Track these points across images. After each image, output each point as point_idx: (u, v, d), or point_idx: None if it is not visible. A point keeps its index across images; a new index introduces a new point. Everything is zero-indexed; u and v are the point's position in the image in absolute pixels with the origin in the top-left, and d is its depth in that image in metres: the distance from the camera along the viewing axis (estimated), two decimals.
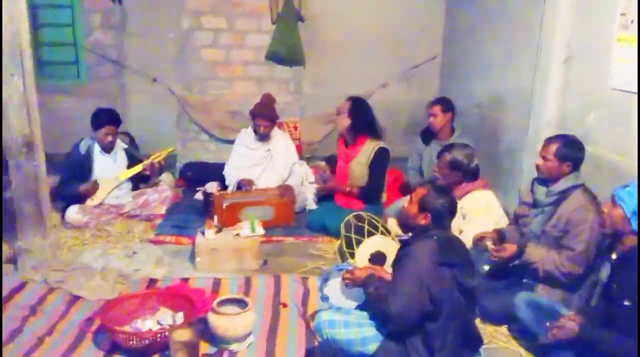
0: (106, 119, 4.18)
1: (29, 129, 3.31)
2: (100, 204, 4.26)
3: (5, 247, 3.56)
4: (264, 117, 4.44)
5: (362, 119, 4.18)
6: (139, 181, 4.50)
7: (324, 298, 2.77)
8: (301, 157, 5.68)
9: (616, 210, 2.28)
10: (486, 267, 3.26)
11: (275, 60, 5.58)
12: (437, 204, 2.49)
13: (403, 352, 2.41)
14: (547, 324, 2.33)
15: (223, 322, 2.64)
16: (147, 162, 4.34)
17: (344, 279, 2.74)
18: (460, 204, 3.27)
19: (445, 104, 4.27)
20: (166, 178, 5.41)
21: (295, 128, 5.72)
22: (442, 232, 2.51)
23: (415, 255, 2.42)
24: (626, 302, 2.20)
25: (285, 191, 4.33)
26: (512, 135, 4.20)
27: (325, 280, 2.80)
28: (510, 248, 2.93)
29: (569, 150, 2.89)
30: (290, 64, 5.63)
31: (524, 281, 3.03)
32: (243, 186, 4.38)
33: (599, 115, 3.18)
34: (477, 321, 3.00)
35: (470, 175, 3.27)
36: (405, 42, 5.81)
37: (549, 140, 2.99)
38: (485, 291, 3.07)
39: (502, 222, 3.28)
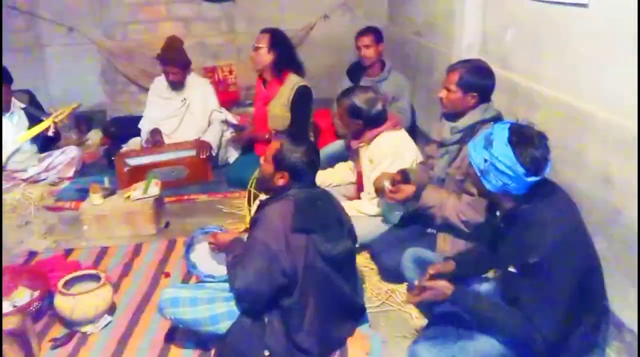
0: None
1: None
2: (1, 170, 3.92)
3: None
4: (171, 62, 3.98)
5: (284, 53, 3.74)
6: (46, 143, 4.13)
7: (192, 266, 2.43)
8: (241, 104, 5.29)
9: (471, 169, 1.84)
10: (397, 214, 2.88)
11: None
12: (293, 159, 2.11)
13: (259, 330, 2.08)
14: (416, 282, 1.96)
15: (67, 303, 2.32)
16: (48, 121, 3.95)
17: (210, 243, 2.40)
18: (368, 149, 2.89)
19: (377, 33, 3.88)
20: (94, 136, 5.08)
21: (231, 72, 5.27)
22: (301, 191, 2.13)
23: (265, 221, 2.07)
24: (511, 269, 1.82)
25: (200, 147, 3.93)
26: (443, 63, 3.68)
27: (189, 245, 2.45)
28: (407, 189, 2.56)
29: (474, 78, 2.44)
30: (219, 0, 5.08)
31: (428, 230, 2.66)
32: (153, 139, 4.00)
33: (515, 33, 2.68)
34: (376, 280, 2.68)
35: (372, 122, 2.83)
36: None
37: (451, 68, 2.54)
38: (384, 245, 2.73)
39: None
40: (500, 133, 1.70)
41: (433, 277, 1.97)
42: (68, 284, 2.43)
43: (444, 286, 1.89)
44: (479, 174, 1.76)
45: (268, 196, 2.30)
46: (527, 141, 1.68)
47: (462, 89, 2.43)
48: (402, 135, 2.95)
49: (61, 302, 2.33)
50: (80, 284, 2.47)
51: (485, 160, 1.72)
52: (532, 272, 1.67)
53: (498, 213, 1.89)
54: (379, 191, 2.67)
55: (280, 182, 2.14)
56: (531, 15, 2.56)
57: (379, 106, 2.83)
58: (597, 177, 2.10)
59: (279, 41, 3.72)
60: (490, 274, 2.40)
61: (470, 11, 3.02)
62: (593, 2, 2.08)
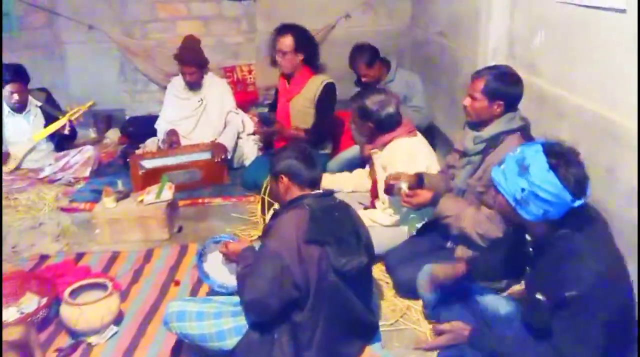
0: (9, 75, 3.76)
1: None
2: (17, 168, 3.92)
3: None
4: (188, 62, 3.93)
5: (312, 48, 3.71)
6: (62, 141, 4.11)
7: (204, 276, 2.36)
8: (259, 104, 5.20)
9: (499, 197, 1.69)
10: (415, 225, 2.77)
11: None
12: (284, 161, 2.11)
13: (267, 347, 2.00)
14: (431, 327, 1.85)
15: (72, 313, 2.27)
16: (63, 119, 3.92)
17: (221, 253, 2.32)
18: (381, 155, 2.78)
19: (368, 57, 3.82)
20: (112, 135, 5.06)
21: (250, 72, 5.18)
22: (317, 200, 2.05)
23: (279, 230, 2.00)
24: (538, 296, 1.67)
25: (216, 150, 3.85)
26: (468, 67, 3.54)
27: (200, 254, 2.37)
28: (425, 195, 2.44)
29: (500, 86, 2.31)
30: None
31: (448, 245, 2.54)
32: (169, 140, 3.95)
33: (544, 37, 2.53)
34: (391, 295, 2.57)
35: (383, 125, 2.72)
36: None
37: (476, 75, 2.40)
38: (399, 259, 2.61)
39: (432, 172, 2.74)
40: (536, 157, 1.55)
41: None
42: (75, 292, 2.38)
43: (461, 327, 1.79)
44: (513, 204, 1.61)
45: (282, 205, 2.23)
46: (568, 162, 1.54)
47: (487, 98, 2.30)
48: (418, 141, 2.82)
49: (66, 312, 2.28)
50: (88, 293, 2.42)
51: (523, 189, 1.57)
52: (566, 306, 1.54)
53: (528, 238, 1.76)
54: (392, 190, 2.55)
55: (282, 188, 2.11)
56: (562, 18, 2.41)
57: (391, 109, 2.72)
58: (629, 196, 1.96)
59: (303, 41, 3.65)
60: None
61: (497, 12, 2.87)
62: (631, 8, 1.93)
